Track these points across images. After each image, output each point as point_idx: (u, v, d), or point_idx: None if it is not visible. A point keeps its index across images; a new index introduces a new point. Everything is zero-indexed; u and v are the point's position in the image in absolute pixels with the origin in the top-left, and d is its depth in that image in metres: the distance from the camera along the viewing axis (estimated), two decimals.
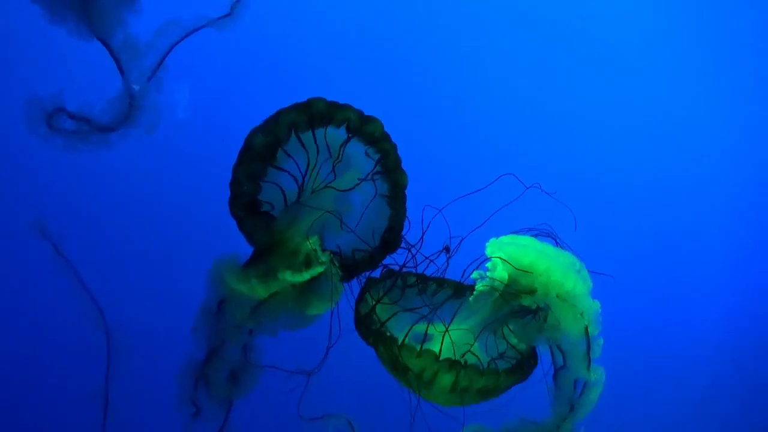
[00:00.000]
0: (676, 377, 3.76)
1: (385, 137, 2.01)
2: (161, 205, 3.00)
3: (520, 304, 1.98)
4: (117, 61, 1.76)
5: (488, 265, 1.99)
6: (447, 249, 2.06)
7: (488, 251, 1.98)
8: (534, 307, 1.97)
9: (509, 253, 1.94)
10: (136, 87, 1.79)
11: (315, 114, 1.93)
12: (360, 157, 2.03)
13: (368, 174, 2.03)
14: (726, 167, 3.80)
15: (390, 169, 2.03)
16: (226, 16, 1.88)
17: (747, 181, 3.83)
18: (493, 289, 1.97)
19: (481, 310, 2.01)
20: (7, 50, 2.81)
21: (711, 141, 3.75)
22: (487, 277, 1.99)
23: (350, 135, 1.99)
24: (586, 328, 1.93)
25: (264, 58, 3.20)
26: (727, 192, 3.81)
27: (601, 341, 1.97)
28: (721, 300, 3.85)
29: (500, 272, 1.95)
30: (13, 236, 2.75)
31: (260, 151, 1.92)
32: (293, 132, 1.94)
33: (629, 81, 3.67)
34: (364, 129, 1.97)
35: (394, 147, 2.02)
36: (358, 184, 2.04)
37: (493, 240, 2.00)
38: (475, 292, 1.99)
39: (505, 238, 1.99)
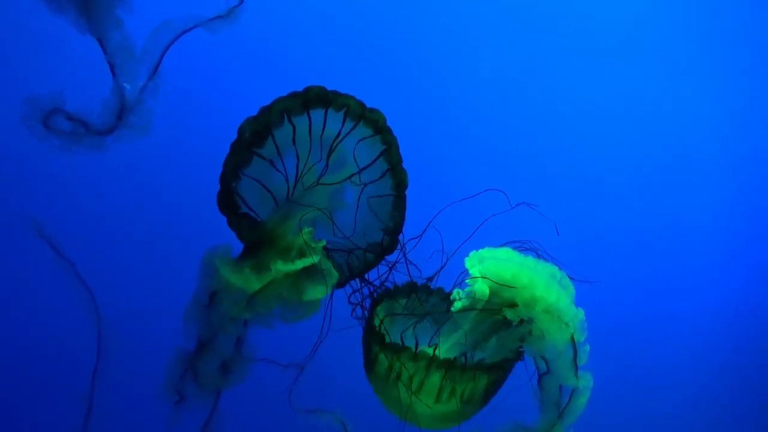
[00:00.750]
0: (666, 378, 3.78)
1: (389, 129, 1.96)
2: (157, 201, 3.02)
3: (503, 317, 1.97)
4: (110, 60, 1.77)
5: (468, 280, 1.97)
6: (429, 279, 2.05)
7: (468, 265, 1.96)
8: (517, 320, 1.95)
9: (489, 267, 1.92)
10: (127, 86, 1.80)
11: (311, 97, 1.89)
12: (357, 154, 1.99)
13: (367, 168, 2.00)
14: (711, 166, 3.80)
15: (393, 165, 1.99)
16: (222, 17, 1.89)
17: (733, 181, 3.85)
18: (474, 304, 1.95)
19: (464, 325, 2.01)
20: (10, 48, 2.83)
21: (696, 142, 3.76)
22: (468, 292, 1.97)
23: (354, 122, 1.93)
24: (572, 337, 1.93)
25: (260, 58, 3.21)
26: (715, 191, 3.82)
27: (587, 348, 1.97)
28: (712, 299, 3.86)
29: (481, 287, 1.93)
30: (7, 230, 2.77)
31: (250, 139, 1.89)
32: (286, 117, 1.90)
33: (618, 86, 3.69)
34: (368, 115, 1.93)
35: (396, 141, 1.97)
36: (352, 176, 2.01)
37: (472, 254, 1.98)
38: (456, 308, 1.97)
39: (485, 252, 1.97)
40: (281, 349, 2.11)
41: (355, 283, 2.11)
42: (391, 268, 2.07)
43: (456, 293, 1.97)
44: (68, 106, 1.80)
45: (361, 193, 2.04)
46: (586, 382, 2.02)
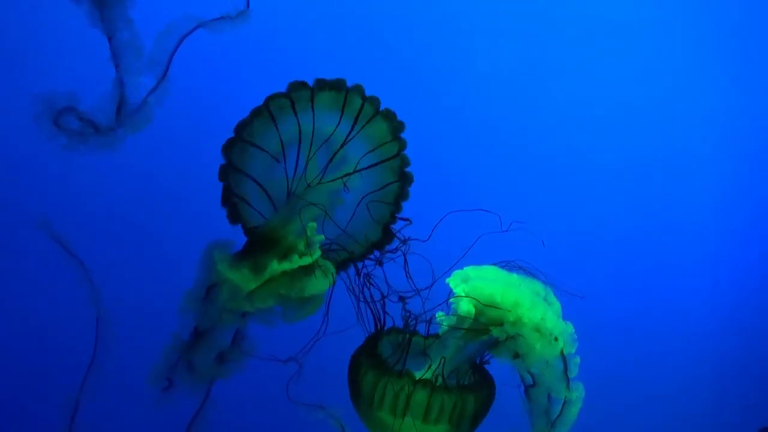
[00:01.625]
0: (658, 388, 3.80)
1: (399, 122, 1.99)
2: (161, 198, 3.06)
3: (489, 336, 1.95)
4: (117, 58, 1.79)
5: (452, 300, 1.96)
6: (402, 299, 2.04)
7: (452, 284, 1.94)
8: (504, 337, 1.93)
9: (474, 287, 1.90)
10: (136, 83, 1.81)
11: (323, 83, 1.91)
12: (359, 153, 2.01)
13: (378, 164, 2.02)
14: (703, 188, 3.86)
15: (402, 170, 2.02)
16: (229, 18, 1.91)
17: (725, 195, 3.88)
18: (460, 323, 1.94)
19: (452, 345, 1.98)
20: (24, 46, 2.86)
21: (688, 160, 3.82)
22: (453, 312, 1.96)
23: (373, 111, 1.96)
24: (562, 351, 1.92)
25: (266, 59, 3.23)
26: (709, 209, 3.87)
27: (577, 360, 1.96)
28: (706, 313, 3.89)
29: (466, 306, 1.92)
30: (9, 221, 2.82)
31: (251, 128, 1.93)
32: (291, 108, 1.93)
33: (619, 102, 3.72)
34: (384, 111, 1.96)
35: (405, 143, 2.01)
36: (365, 169, 2.02)
37: (456, 273, 1.96)
38: (442, 329, 1.96)
39: (469, 270, 1.95)
40: (281, 344, 2.13)
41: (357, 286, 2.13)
42: (369, 277, 2.08)
43: (440, 315, 1.97)
44: (79, 105, 1.81)
45: (364, 196, 2.05)
46: (577, 392, 2.03)
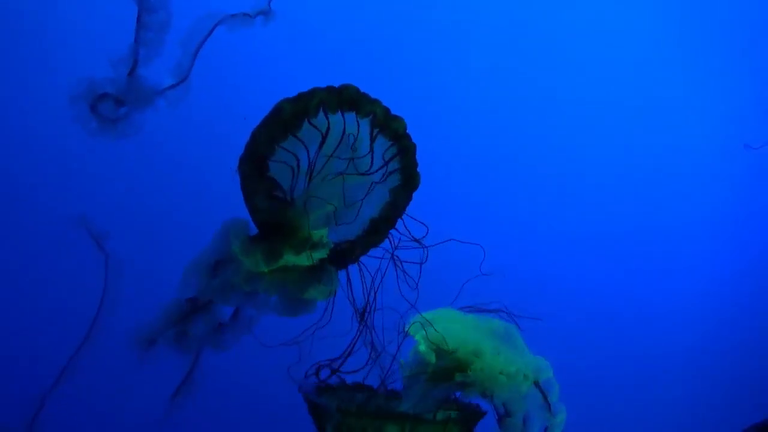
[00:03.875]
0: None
1: (408, 136, 1.98)
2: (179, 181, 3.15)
3: (454, 382, 1.90)
4: (141, 46, 1.87)
5: (414, 347, 1.91)
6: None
7: (411, 330, 1.89)
8: (469, 380, 1.88)
9: (434, 334, 1.86)
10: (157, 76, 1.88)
11: (345, 98, 1.91)
12: (375, 153, 2.00)
13: (383, 167, 2.00)
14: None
15: (406, 167, 2.01)
16: (248, 16, 1.96)
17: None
18: (423, 369, 1.91)
19: (417, 391, 1.94)
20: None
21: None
22: (414, 359, 1.92)
23: (375, 130, 1.96)
24: (536, 382, 1.90)
25: (285, 55, 3.30)
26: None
27: (557, 386, 1.93)
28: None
29: (427, 352, 1.88)
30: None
31: (287, 119, 1.90)
32: (322, 109, 1.91)
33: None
34: (390, 125, 1.95)
35: (414, 147, 1.99)
36: (369, 174, 2.00)
37: (415, 319, 1.90)
38: (406, 376, 1.93)
39: (429, 315, 1.90)
40: (283, 327, 2.15)
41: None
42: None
43: (402, 362, 1.94)
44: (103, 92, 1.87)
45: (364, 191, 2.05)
46: (561, 416, 2.01)
